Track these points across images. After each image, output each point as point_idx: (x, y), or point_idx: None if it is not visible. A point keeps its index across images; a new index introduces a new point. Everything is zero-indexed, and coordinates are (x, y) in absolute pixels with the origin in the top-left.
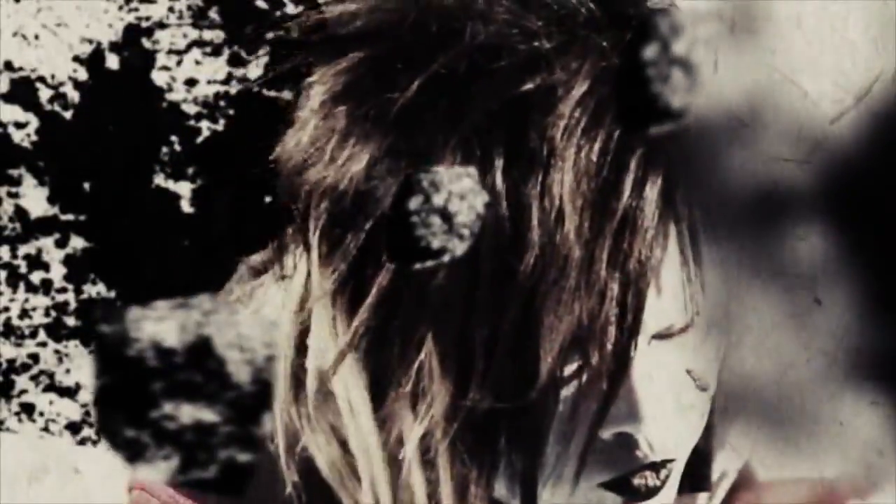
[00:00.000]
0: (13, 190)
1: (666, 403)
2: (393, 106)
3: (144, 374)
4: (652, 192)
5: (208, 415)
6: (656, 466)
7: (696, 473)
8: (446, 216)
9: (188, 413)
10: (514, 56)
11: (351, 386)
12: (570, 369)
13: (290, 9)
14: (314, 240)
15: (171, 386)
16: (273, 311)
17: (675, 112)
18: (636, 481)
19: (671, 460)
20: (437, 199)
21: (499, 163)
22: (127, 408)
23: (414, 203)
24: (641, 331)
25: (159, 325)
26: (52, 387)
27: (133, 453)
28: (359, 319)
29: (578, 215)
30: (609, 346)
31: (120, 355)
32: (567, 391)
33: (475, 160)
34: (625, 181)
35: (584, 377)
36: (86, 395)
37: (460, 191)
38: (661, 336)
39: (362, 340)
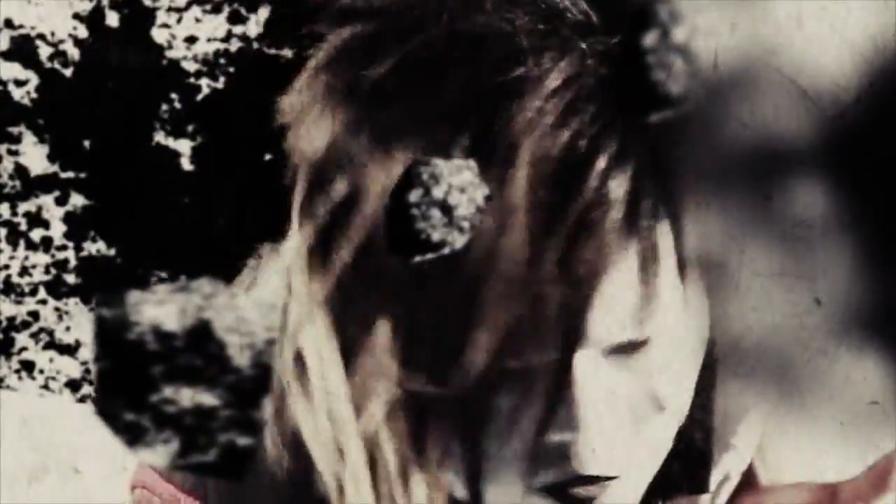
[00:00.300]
0: (13, 147)
1: (616, 419)
2: (364, 82)
3: (144, 358)
4: (615, 196)
5: (208, 398)
6: (594, 480)
7: (695, 476)
8: (446, 209)
9: (188, 397)
10: (492, 47)
11: (324, 357)
12: (512, 366)
13: None
14: (296, 207)
15: (170, 370)
16: (272, 293)
17: (675, 99)
18: (573, 490)
19: (611, 477)
20: (437, 192)
21: (460, 152)
22: (127, 392)
23: (414, 196)
24: (587, 340)
25: (159, 309)
26: (52, 344)
27: (133, 437)
28: (322, 291)
29: (530, 212)
30: (550, 350)
31: (120, 339)
32: (507, 390)
33: (437, 145)
34: (586, 184)
35: (525, 378)
36: (86, 353)
37: (460, 183)
38: (617, 350)
39: (328, 310)
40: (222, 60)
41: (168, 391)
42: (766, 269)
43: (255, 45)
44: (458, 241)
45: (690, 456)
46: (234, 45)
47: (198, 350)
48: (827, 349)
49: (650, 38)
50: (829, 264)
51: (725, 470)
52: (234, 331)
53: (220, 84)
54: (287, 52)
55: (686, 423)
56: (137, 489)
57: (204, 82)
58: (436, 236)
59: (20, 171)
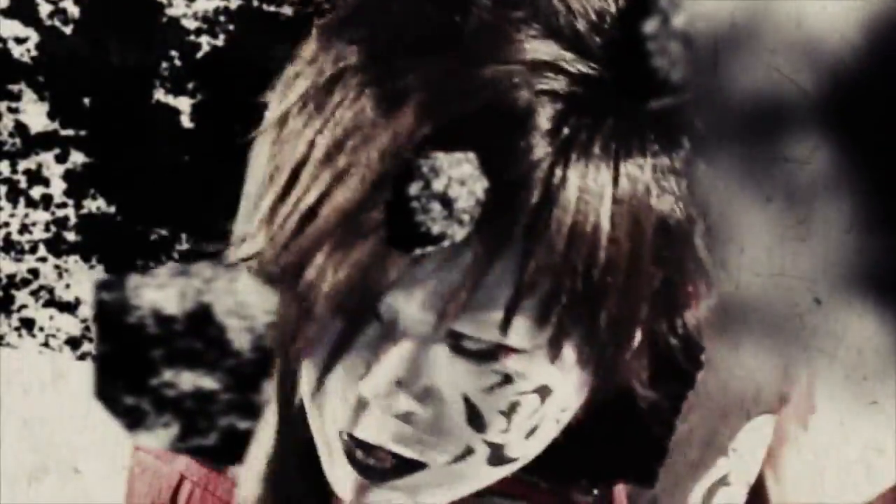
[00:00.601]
0: (13, 105)
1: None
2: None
3: (145, 342)
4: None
5: (208, 382)
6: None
7: (645, 468)
8: (446, 202)
9: (188, 380)
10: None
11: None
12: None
13: None
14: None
15: (171, 353)
16: None
17: (675, 86)
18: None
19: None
20: (437, 185)
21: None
22: (127, 375)
23: (414, 188)
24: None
25: (159, 293)
26: (52, 302)
27: (133, 420)
28: None
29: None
30: None
31: (120, 323)
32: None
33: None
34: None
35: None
36: (86, 310)
37: (460, 176)
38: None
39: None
40: (222, 18)
41: (168, 375)
42: (766, 269)
43: (255, 3)
44: (458, 233)
45: (644, 448)
46: (234, 3)
47: (198, 334)
48: (827, 349)
49: (651, 25)
50: (829, 264)
51: (721, 474)
52: (234, 314)
53: (220, 42)
54: (286, 10)
55: (646, 416)
56: (134, 451)
57: (204, 40)
58: (436, 229)
59: (20, 128)
